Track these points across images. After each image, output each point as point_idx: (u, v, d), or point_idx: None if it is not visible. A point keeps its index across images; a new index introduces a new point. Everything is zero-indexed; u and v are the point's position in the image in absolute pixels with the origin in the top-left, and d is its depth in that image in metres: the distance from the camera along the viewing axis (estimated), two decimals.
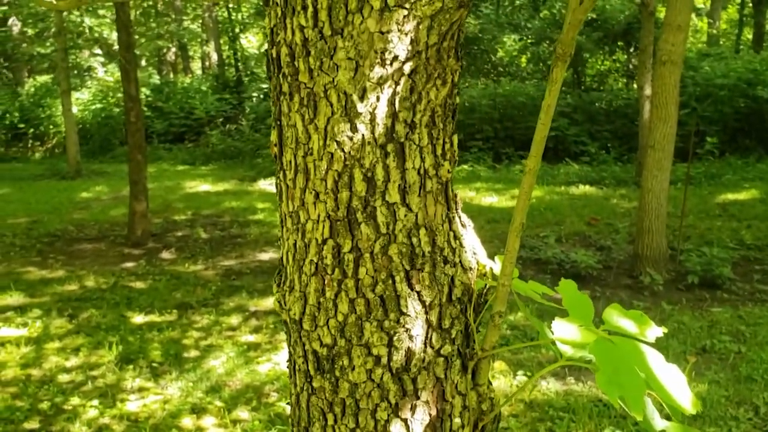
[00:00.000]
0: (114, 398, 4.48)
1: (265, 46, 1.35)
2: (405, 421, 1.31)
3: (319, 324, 1.32)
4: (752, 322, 5.58)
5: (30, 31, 19.56)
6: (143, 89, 17.99)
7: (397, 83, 1.22)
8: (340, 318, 1.30)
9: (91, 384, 4.71)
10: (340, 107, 1.22)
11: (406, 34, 1.19)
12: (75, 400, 4.46)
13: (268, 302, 6.24)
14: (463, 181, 12.38)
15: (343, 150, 1.24)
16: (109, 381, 4.75)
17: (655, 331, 1.30)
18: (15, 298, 6.55)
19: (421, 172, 1.27)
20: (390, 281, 1.28)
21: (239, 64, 21.09)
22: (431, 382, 1.32)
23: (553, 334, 1.23)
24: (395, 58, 1.20)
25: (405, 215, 1.27)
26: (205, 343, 5.41)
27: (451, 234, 1.34)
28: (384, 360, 1.30)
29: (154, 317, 5.99)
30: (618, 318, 1.30)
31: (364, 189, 1.25)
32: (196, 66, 26.44)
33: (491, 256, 1.47)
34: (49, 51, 18.73)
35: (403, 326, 1.29)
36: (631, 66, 16.98)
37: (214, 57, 22.61)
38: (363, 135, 1.23)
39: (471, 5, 1.23)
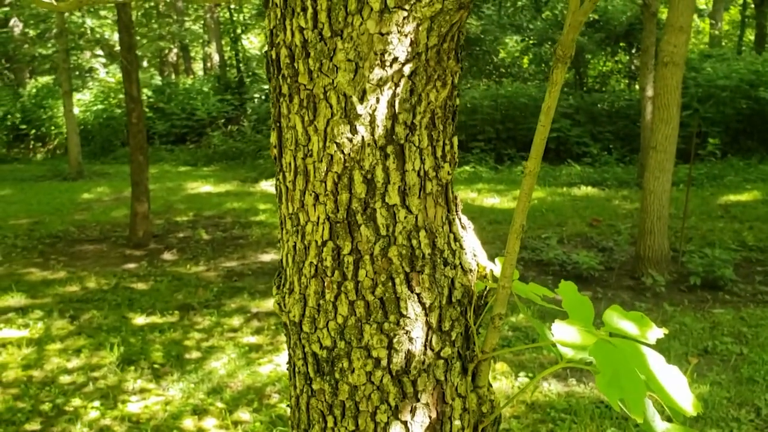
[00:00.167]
0: (115, 399, 4.48)
1: (266, 47, 1.34)
2: (405, 423, 1.31)
3: (318, 326, 1.32)
4: (754, 324, 5.57)
5: (31, 32, 19.58)
6: (145, 90, 18.01)
7: (396, 85, 1.21)
8: (340, 320, 1.30)
9: (92, 385, 4.70)
10: (339, 109, 1.22)
11: (406, 36, 1.18)
12: (76, 402, 4.46)
13: (270, 303, 6.24)
14: (465, 182, 12.38)
15: (342, 152, 1.23)
16: (110, 382, 4.75)
17: (655, 333, 1.30)
18: (16, 300, 6.55)
19: (421, 173, 1.27)
20: (390, 283, 1.27)
21: (241, 65, 21.11)
22: (431, 384, 1.32)
23: (553, 336, 1.22)
24: (395, 59, 1.19)
25: (405, 217, 1.27)
26: (207, 344, 5.41)
27: (452, 236, 1.34)
28: (384, 362, 1.29)
29: (156, 318, 5.99)
30: (618, 319, 1.30)
31: (364, 191, 1.24)
32: (198, 67, 26.47)
33: (493, 258, 1.46)
34: (51, 52, 18.75)
35: (403, 328, 1.29)
36: (633, 67, 16.97)
37: (216, 58, 22.63)
38: (363, 137, 1.23)
39: (471, 7, 1.22)
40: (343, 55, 1.19)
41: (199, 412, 4.32)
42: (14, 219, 10.28)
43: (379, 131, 1.23)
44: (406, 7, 1.16)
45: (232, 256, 8.05)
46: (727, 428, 3.98)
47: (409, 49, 1.19)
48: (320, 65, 1.21)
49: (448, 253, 1.32)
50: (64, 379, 4.82)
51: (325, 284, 1.30)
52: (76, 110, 16.44)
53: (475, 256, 1.40)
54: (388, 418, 1.30)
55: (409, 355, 1.30)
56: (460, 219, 1.39)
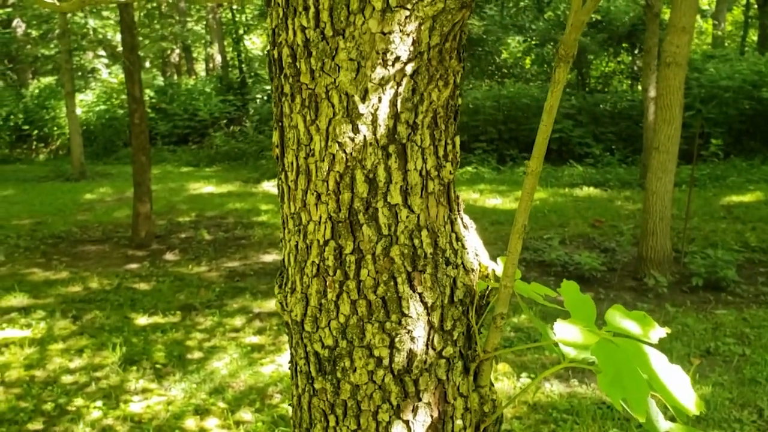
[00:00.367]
0: (117, 399, 4.48)
1: (268, 46, 1.35)
2: (407, 422, 1.31)
3: (320, 325, 1.32)
4: (757, 325, 5.56)
5: (34, 33, 19.62)
6: (147, 91, 18.02)
7: (399, 84, 1.21)
8: (342, 319, 1.30)
9: (94, 385, 4.71)
10: (341, 108, 1.22)
11: (408, 35, 1.18)
12: (79, 401, 4.46)
13: (272, 304, 6.24)
14: (467, 183, 12.37)
15: (344, 151, 1.23)
16: (112, 382, 4.75)
17: (658, 332, 1.29)
18: (19, 300, 6.56)
19: (423, 173, 1.27)
20: (392, 283, 1.27)
21: (243, 65, 21.12)
22: (433, 383, 1.32)
23: (555, 335, 1.22)
24: (397, 59, 1.19)
25: (407, 217, 1.27)
26: (209, 344, 5.41)
27: (453, 235, 1.34)
28: (386, 361, 1.29)
29: (158, 319, 5.99)
30: (621, 319, 1.30)
31: (366, 190, 1.24)
32: (200, 67, 26.49)
33: (495, 258, 1.46)
34: (53, 52, 18.78)
35: (405, 328, 1.29)
36: (635, 68, 16.97)
37: (218, 58, 22.65)
38: (365, 136, 1.23)
39: (473, 6, 1.22)
40: (345, 55, 1.19)
41: (201, 412, 4.32)
42: (17, 219, 10.29)
43: (381, 130, 1.23)
44: (408, 6, 1.16)
45: (234, 257, 8.05)
46: (730, 429, 3.98)
47: (411, 49, 1.19)
48: (322, 64, 1.21)
49: (450, 253, 1.32)
50: (67, 378, 4.83)
51: (327, 283, 1.30)
52: (78, 111, 16.45)
53: (477, 255, 1.40)
54: (390, 417, 1.30)
55: (411, 355, 1.30)
56: (462, 218, 1.39)
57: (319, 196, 1.27)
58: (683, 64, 6.56)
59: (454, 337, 1.34)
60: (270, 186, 12.79)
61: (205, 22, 23.34)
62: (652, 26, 11.07)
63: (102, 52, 20.90)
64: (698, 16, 18.57)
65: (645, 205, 6.89)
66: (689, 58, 7.22)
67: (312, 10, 1.20)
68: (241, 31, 22.09)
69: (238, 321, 5.90)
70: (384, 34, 1.17)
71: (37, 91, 20.14)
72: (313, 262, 1.31)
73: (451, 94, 1.28)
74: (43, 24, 18.45)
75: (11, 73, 22.21)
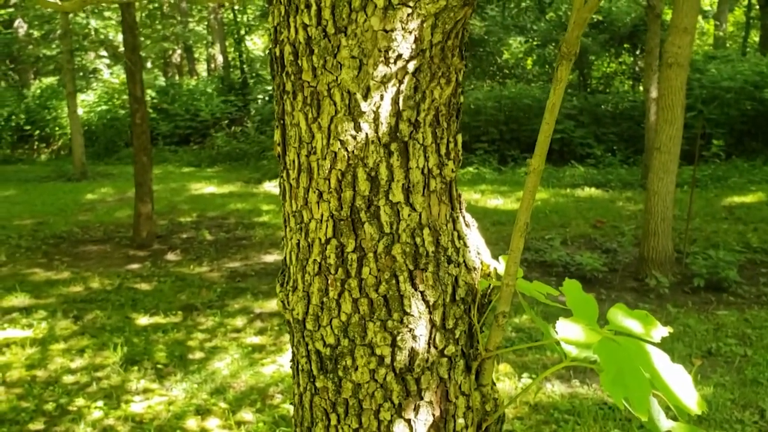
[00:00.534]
0: (119, 399, 4.48)
1: (270, 44, 1.34)
2: (408, 421, 1.31)
3: (322, 324, 1.32)
4: (758, 326, 5.55)
5: (36, 33, 19.64)
6: (149, 91, 18.03)
7: (401, 82, 1.21)
8: (344, 318, 1.29)
9: (95, 385, 4.71)
10: (343, 106, 1.22)
11: (410, 33, 1.18)
12: (80, 401, 4.46)
13: (273, 304, 6.24)
14: (469, 183, 12.37)
15: (346, 149, 1.23)
16: (113, 382, 4.75)
17: (660, 332, 1.29)
18: (20, 300, 6.56)
19: (425, 171, 1.27)
20: (393, 281, 1.27)
21: (244, 66, 21.13)
22: (435, 382, 1.32)
23: (557, 334, 1.22)
24: (399, 56, 1.19)
25: (409, 215, 1.27)
26: (210, 344, 5.41)
27: (455, 234, 1.34)
28: (387, 360, 1.29)
29: (159, 319, 5.99)
30: (623, 318, 1.29)
31: (368, 188, 1.24)
32: (202, 68, 26.51)
33: (496, 258, 1.46)
34: (55, 53, 18.80)
35: (407, 326, 1.28)
36: (637, 68, 16.96)
37: (220, 59, 22.66)
38: (367, 134, 1.22)
39: (475, 4, 1.22)
40: (347, 52, 1.19)
41: (203, 412, 4.32)
42: (18, 219, 10.30)
43: (383, 128, 1.22)
44: (411, 3, 1.16)
45: (236, 257, 8.05)
46: (731, 430, 3.97)
47: (414, 46, 1.19)
48: (324, 62, 1.21)
49: (452, 251, 1.32)
50: (68, 378, 4.83)
51: (329, 282, 1.30)
52: (80, 111, 16.46)
53: (479, 254, 1.39)
54: (392, 416, 1.30)
55: (413, 353, 1.29)
56: (463, 217, 1.38)
57: (320, 194, 1.27)
58: (685, 64, 6.56)
59: (456, 336, 1.33)
60: (271, 186, 12.79)
61: (206, 23, 23.37)
62: (653, 27, 11.07)
63: (104, 53, 20.92)
64: (700, 17, 18.56)
65: (646, 205, 6.88)
66: (691, 59, 7.21)
67: (314, 7, 1.19)
68: (242, 32, 22.10)
69: (239, 321, 5.90)
70: (386, 31, 1.17)
71: (38, 91, 20.16)
72: (314, 260, 1.31)
73: (453, 92, 1.28)
74: (44, 24, 18.47)
75: (13, 73, 22.24)
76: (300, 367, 1.40)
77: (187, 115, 18.65)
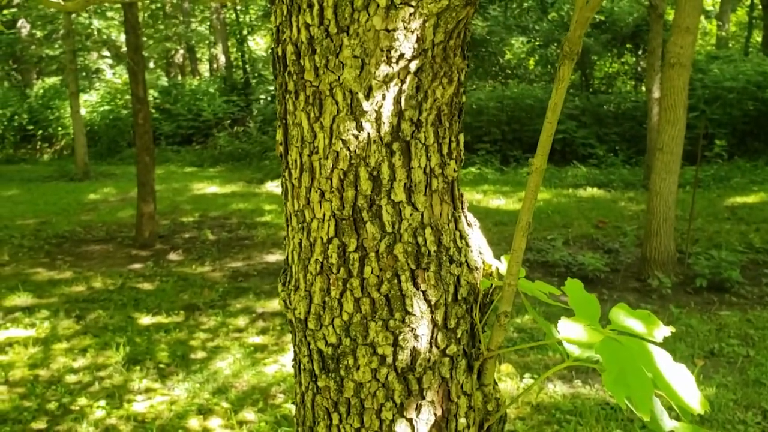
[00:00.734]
0: (121, 399, 4.49)
1: (272, 44, 1.34)
2: (410, 421, 1.31)
3: (324, 323, 1.32)
4: (761, 326, 5.54)
5: (39, 33, 19.66)
6: (151, 91, 18.04)
7: (403, 81, 1.21)
8: (345, 317, 1.30)
9: (98, 384, 4.71)
10: (345, 105, 1.22)
11: (413, 32, 1.18)
12: (82, 401, 4.46)
13: (275, 304, 6.24)
14: (471, 184, 12.37)
15: (348, 148, 1.23)
16: (116, 382, 4.75)
17: (662, 331, 1.29)
18: (23, 299, 6.57)
19: (427, 171, 1.27)
20: (395, 280, 1.27)
21: (247, 66, 21.13)
22: (436, 382, 1.32)
23: (559, 333, 1.22)
24: (401, 56, 1.19)
25: (410, 214, 1.27)
26: (212, 344, 5.42)
27: (457, 233, 1.34)
28: (389, 359, 1.29)
29: (162, 318, 6.00)
30: (625, 318, 1.29)
31: (370, 188, 1.24)
32: (204, 68, 26.53)
33: (498, 258, 1.46)
34: (58, 53, 18.82)
35: (409, 326, 1.28)
36: (639, 68, 16.95)
37: (222, 59, 22.67)
38: (369, 133, 1.22)
39: (477, 4, 1.22)
40: (350, 52, 1.19)
41: (205, 411, 4.32)
42: (21, 219, 10.31)
43: (385, 128, 1.22)
44: (413, 3, 1.16)
45: (238, 257, 8.06)
46: (734, 431, 3.96)
47: (416, 46, 1.19)
48: (326, 62, 1.21)
49: (454, 251, 1.32)
50: (70, 378, 4.83)
51: (331, 281, 1.30)
52: (82, 111, 16.48)
53: (480, 253, 1.39)
54: (394, 415, 1.30)
55: (415, 353, 1.29)
56: (465, 216, 1.38)
57: (322, 194, 1.27)
58: (687, 64, 6.55)
59: (458, 336, 1.33)
60: (273, 186, 12.80)
61: (208, 23, 23.38)
62: (656, 27, 11.06)
63: (106, 53, 20.93)
64: (702, 17, 18.54)
65: (649, 206, 6.88)
66: (693, 59, 7.20)
67: (316, 7, 1.20)
68: (244, 32, 22.11)
69: (241, 321, 5.90)
70: (388, 31, 1.17)
71: (41, 91, 20.18)
72: (316, 259, 1.31)
73: (455, 92, 1.28)
74: (47, 24, 18.49)
75: (16, 73, 22.27)
76: (302, 366, 1.40)
77: (190, 115, 18.66)
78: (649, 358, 1.17)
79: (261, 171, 14.43)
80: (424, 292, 1.29)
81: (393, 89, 1.21)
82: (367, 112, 1.21)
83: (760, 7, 19.45)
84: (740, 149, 13.57)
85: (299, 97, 1.26)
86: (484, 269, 1.39)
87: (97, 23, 18.65)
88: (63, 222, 10.07)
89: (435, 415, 1.32)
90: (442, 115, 1.27)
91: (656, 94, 10.34)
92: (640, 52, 16.69)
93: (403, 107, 1.22)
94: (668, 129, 6.61)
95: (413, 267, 1.28)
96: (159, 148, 16.99)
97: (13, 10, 17.78)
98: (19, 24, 19.33)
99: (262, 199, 11.58)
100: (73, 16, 15.17)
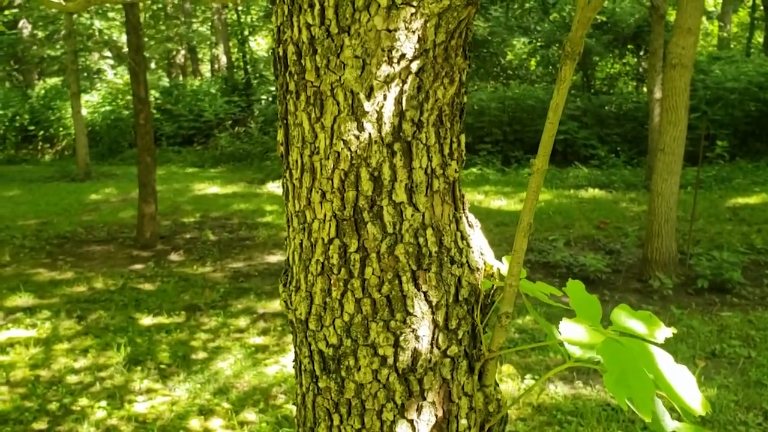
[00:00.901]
0: (122, 399, 4.49)
1: (273, 44, 1.34)
2: (411, 422, 1.31)
3: (325, 324, 1.32)
4: (762, 327, 5.54)
5: (40, 34, 19.69)
6: (152, 92, 18.05)
7: (404, 82, 1.21)
8: (346, 318, 1.29)
9: (99, 385, 4.71)
10: (346, 106, 1.22)
11: (414, 32, 1.18)
12: (83, 401, 4.47)
13: (276, 304, 6.24)
14: (472, 185, 12.36)
15: (349, 149, 1.23)
16: (117, 382, 4.75)
17: (664, 332, 1.29)
18: (24, 300, 6.57)
19: (428, 171, 1.27)
20: (396, 281, 1.27)
21: (248, 66, 21.14)
22: (437, 382, 1.31)
23: (560, 334, 1.22)
24: (402, 56, 1.19)
25: (412, 215, 1.26)
26: (213, 344, 5.42)
27: (458, 234, 1.34)
28: (390, 360, 1.29)
29: (163, 319, 6.00)
30: (626, 319, 1.29)
31: (371, 188, 1.24)
32: (205, 68, 26.54)
33: (499, 259, 1.46)
34: (59, 53, 18.85)
35: (410, 326, 1.28)
36: (641, 69, 16.94)
37: (223, 59, 22.68)
38: (370, 134, 1.22)
39: (478, 4, 1.22)
40: (351, 52, 1.19)
41: (206, 412, 4.32)
42: (22, 219, 10.32)
43: (387, 128, 1.22)
44: (414, 3, 1.16)
45: (239, 257, 8.06)
46: (735, 431, 3.96)
47: (417, 46, 1.19)
48: (327, 62, 1.21)
49: (455, 252, 1.32)
50: (71, 378, 4.83)
51: (332, 282, 1.30)
52: (84, 111, 16.49)
53: (482, 254, 1.39)
54: (395, 416, 1.30)
55: (416, 354, 1.29)
56: (467, 217, 1.38)
57: (323, 194, 1.27)
58: (689, 65, 6.54)
59: (459, 336, 1.33)
60: (274, 187, 12.80)
61: (210, 24, 23.39)
62: (657, 28, 11.05)
63: (107, 53, 20.96)
64: (704, 18, 18.54)
65: (650, 206, 6.87)
66: (695, 60, 7.20)
67: (317, 7, 1.19)
68: (246, 33, 22.12)
69: (242, 321, 5.90)
70: (389, 31, 1.17)
71: (42, 91, 20.19)
72: (317, 260, 1.31)
73: (457, 92, 1.28)
74: (49, 25, 18.51)
75: (17, 73, 22.29)
76: (303, 367, 1.39)
77: (191, 116, 18.67)
78: (651, 359, 1.16)
79: (262, 171, 14.44)
80: (425, 293, 1.28)
81: (394, 89, 1.21)
82: (368, 112, 1.21)
83: (762, 7, 19.44)
84: (742, 150, 13.56)
85: (300, 98, 1.26)
86: (485, 270, 1.39)
87: (98, 24, 18.66)
88: (64, 222, 10.07)
89: (436, 416, 1.32)
90: (443, 115, 1.27)
91: (658, 94, 10.33)
92: (641, 53, 16.68)
93: (404, 107, 1.22)
94: (670, 130, 6.61)
95: (414, 268, 1.27)
96: (160, 149, 16.99)
97: (15, 10, 17.80)
98: (20, 24, 19.35)
99: (263, 200, 11.58)
100: (75, 16, 15.18)
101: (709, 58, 16.22)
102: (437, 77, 1.23)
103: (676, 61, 6.49)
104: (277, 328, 5.69)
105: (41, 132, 19.06)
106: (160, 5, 20.48)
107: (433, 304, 1.29)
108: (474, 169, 13.71)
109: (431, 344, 1.30)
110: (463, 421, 1.35)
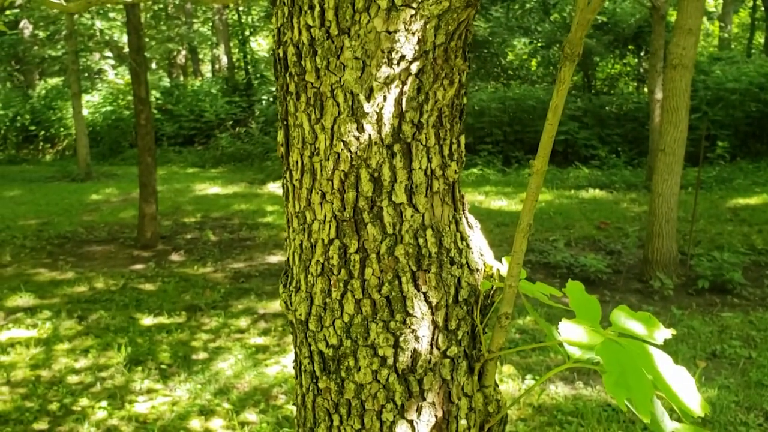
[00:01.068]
0: (123, 399, 4.49)
1: (274, 45, 1.35)
2: (411, 422, 1.31)
3: (325, 324, 1.32)
4: (763, 327, 5.54)
5: (41, 34, 19.70)
6: (153, 92, 18.06)
7: (404, 83, 1.21)
8: (346, 319, 1.30)
9: (99, 385, 4.72)
10: (346, 107, 1.22)
11: (414, 34, 1.18)
12: (84, 401, 4.47)
13: (277, 305, 6.24)
14: (473, 185, 12.37)
15: (349, 150, 1.23)
16: (117, 382, 4.76)
17: (663, 333, 1.29)
18: (25, 300, 6.58)
19: (428, 172, 1.27)
20: (396, 282, 1.27)
21: (249, 67, 21.15)
22: (437, 383, 1.32)
23: (560, 335, 1.22)
24: (402, 57, 1.19)
25: (411, 216, 1.27)
26: (214, 345, 5.42)
27: (458, 235, 1.34)
28: (390, 361, 1.29)
29: (163, 319, 6.00)
30: (626, 320, 1.29)
31: (371, 189, 1.24)
32: (206, 69, 26.54)
33: (499, 260, 1.46)
34: (60, 54, 18.86)
35: (410, 327, 1.28)
36: (641, 70, 16.93)
37: (224, 60, 22.69)
38: (370, 135, 1.22)
39: (478, 5, 1.22)
40: (351, 53, 1.19)
41: (206, 412, 4.32)
42: (23, 220, 10.32)
43: (386, 129, 1.22)
44: (414, 5, 1.16)
45: (240, 258, 8.06)
46: None
47: (417, 48, 1.19)
48: (327, 63, 1.21)
49: (455, 252, 1.32)
50: (72, 379, 4.84)
51: (332, 282, 1.30)
52: (85, 112, 16.50)
53: (481, 255, 1.39)
54: (394, 416, 1.30)
55: (416, 354, 1.29)
56: (466, 218, 1.38)
57: (323, 195, 1.27)
58: (689, 66, 6.55)
59: (459, 337, 1.33)
60: (275, 187, 12.80)
61: (211, 24, 23.40)
62: (658, 28, 11.05)
63: (108, 54, 20.97)
64: (705, 18, 18.53)
65: (651, 207, 6.87)
66: (695, 61, 7.20)
67: (317, 8, 1.20)
68: (247, 33, 22.12)
69: (243, 322, 5.90)
70: (389, 32, 1.17)
71: (43, 92, 20.21)
72: (317, 261, 1.31)
73: (456, 93, 1.28)
74: (50, 25, 18.52)
75: (18, 74, 22.30)
76: (303, 367, 1.40)
77: (192, 116, 18.67)
78: (650, 360, 1.17)
79: (263, 172, 14.45)
80: (425, 294, 1.29)
81: (394, 91, 1.21)
82: (368, 113, 1.21)
83: (763, 8, 19.44)
84: (742, 151, 13.56)
85: (300, 99, 1.26)
86: (484, 271, 1.39)
87: (99, 24, 18.68)
88: (65, 222, 10.08)
89: (436, 416, 1.32)
90: (443, 116, 1.27)
91: (658, 95, 10.33)
92: (642, 54, 16.67)
93: (404, 109, 1.22)
94: (670, 130, 6.61)
95: (414, 268, 1.28)
96: (161, 149, 17.00)
97: (16, 11, 17.80)
98: (21, 25, 19.36)
99: (264, 200, 11.58)
100: (76, 17, 15.19)
101: (710, 59, 16.22)
102: (437, 79, 1.23)
103: (676, 62, 6.49)
104: (277, 329, 5.69)
105: (42, 132, 19.08)
106: (161, 5, 20.47)
107: (433, 304, 1.29)
108: (475, 170, 13.71)
109: (431, 345, 1.30)
110: (463, 422, 1.35)
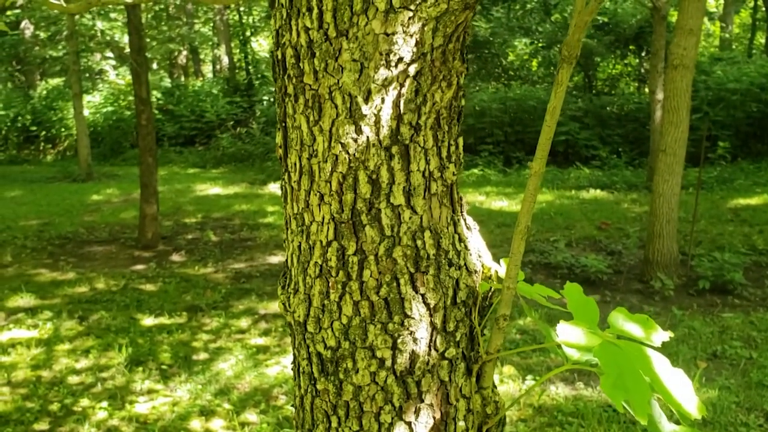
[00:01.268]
0: (123, 400, 4.50)
1: (272, 47, 1.35)
2: (409, 424, 1.31)
3: (323, 326, 1.32)
4: (764, 328, 5.53)
5: (42, 35, 19.71)
6: (154, 92, 18.07)
7: (402, 85, 1.21)
8: (344, 320, 1.30)
9: (100, 386, 4.72)
10: (344, 109, 1.22)
11: (411, 36, 1.18)
12: (84, 402, 4.47)
13: (277, 305, 6.24)
14: (473, 185, 12.36)
15: (347, 152, 1.24)
16: (118, 383, 4.76)
17: (661, 336, 1.29)
18: (26, 300, 6.58)
19: (426, 174, 1.27)
20: (394, 284, 1.27)
21: (250, 67, 21.15)
22: (435, 385, 1.32)
23: (558, 337, 1.22)
24: (400, 59, 1.19)
25: (410, 217, 1.27)
26: (215, 345, 5.42)
27: (456, 236, 1.34)
28: (388, 363, 1.29)
29: (164, 319, 6.01)
30: (624, 322, 1.29)
31: (369, 191, 1.24)
32: (207, 69, 26.55)
33: (498, 261, 1.46)
34: (61, 54, 18.86)
35: (408, 329, 1.29)
36: (642, 70, 16.93)
37: (225, 60, 22.70)
38: (368, 137, 1.23)
39: (476, 7, 1.22)
40: (349, 55, 1.19)
41: (207, 413, 4.32)
42: (24, 220, 10.33)
43: (384, 131, 1.23)
44: (412, 7, 1.16)
45: (240, 258, 8.07)
46: None
47: (415, 50, 1.19)
48: (325, 65, 1.21)
49: (453, 254, 1.32)
50: (73, 379, 4.84)
51: (330, 284, 1.30)
52: (86, 112, 16.51)
53: (479, 257, 1.40)
54: (392, 418, 1.30)
55: (414, 356, 1.30)
56: (465, 220, 1.38)
57: (322, 197, 1.27)
58: (690, 66, 6.54)
59: (457, 339, 1.33)
60: (276, 188, 12.81)
61: (212, 24, 23.41)
62: (659, 28, 11.05)
63: (109, 54, 20.98)
64: (705, 19, 18.52)
65: (651, 207, 6.87)
66: (696, 61, 7.20)
67: (315, 11, 1.20)
68: (248, 33, 22.13)
69: (243, 322, 5.91)
70: (387, 35, 1.18)
71: (44, 92, 20.22)
72: (315, 262, 1.31)
73: (455, 96, 1.28)
74: (51, 26, 18.53)
75: (19, 74, 22.31)
76: (301, 369, 1.40)
77: (193, 117, 18.68)
78: (647, 362, 1.17)
79: (264, 172, 14.45)
80: (423, 296, 1.29)
81: (392, 93, 1.21)
82: (366, 115, 1.22)
83: (764, 8, 19.43)
84: (743, 151, 13.56)
85: (299, 101, 1.27)
86: (483, 272, 1.40)
87: (100, 24, 18.68)
88: (66, 223, 10.09)
89: (434, 418, 1.32)
90: (441, 118, 1.27)
91: (659, 95, 10.33)
92: (643, 54, 16.67)
93: (402, 111, 1.22)
94: (671, 131, 6.61)
95: (412, 270, 1.28)
96: (162, 150, 17.02)
97: (17, 11, 17.81)
98: (22, 25, 19.37)
99: (264, 201, 11.59)
100: (77, 17, 15.20)
101: (711, 59, 16.21)
102: (435, 81, 1.23)
103: (677, 62, 6.49)
104: (278, 329, 5.69)
105: (43, 132, 19.09)
106: (162, 6, 20.49)
107: (431, 306, 1.30)
108: (475, 170, 13.71)
109: (429, 346, 1.30)
110: (461, 423, 1.35)
